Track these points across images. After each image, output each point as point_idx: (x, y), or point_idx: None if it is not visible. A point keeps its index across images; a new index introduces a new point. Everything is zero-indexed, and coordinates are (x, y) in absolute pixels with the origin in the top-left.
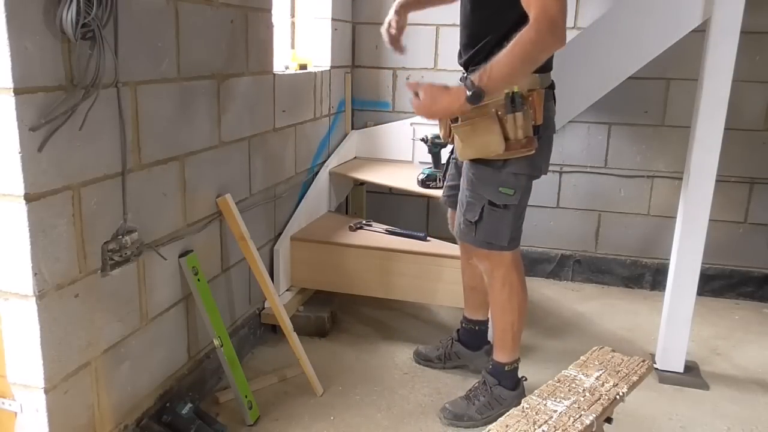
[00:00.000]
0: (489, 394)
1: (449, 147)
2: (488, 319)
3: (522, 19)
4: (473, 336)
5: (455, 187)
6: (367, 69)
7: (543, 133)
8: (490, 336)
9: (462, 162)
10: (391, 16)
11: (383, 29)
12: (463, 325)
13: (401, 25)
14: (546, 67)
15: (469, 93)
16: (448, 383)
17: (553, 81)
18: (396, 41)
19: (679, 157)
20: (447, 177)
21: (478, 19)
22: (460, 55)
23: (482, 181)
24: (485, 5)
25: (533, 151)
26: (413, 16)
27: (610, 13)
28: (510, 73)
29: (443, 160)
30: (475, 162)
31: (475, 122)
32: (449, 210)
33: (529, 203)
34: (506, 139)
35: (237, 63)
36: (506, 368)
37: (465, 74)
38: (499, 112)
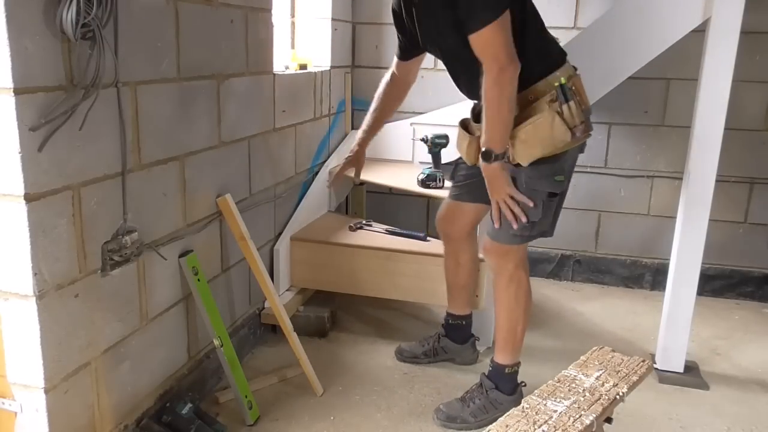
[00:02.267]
0: (485, 397)
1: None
2: (471, 313)
3: (521, 38)
4: (459, 330)
5: (472, 177)
6: (367, 69)
7: (586, 116)
8: (477, 334)
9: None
10: (352, 152)
11: (345, 161)
12: (450, 321)
13: (361, 160)
14: (564, 52)
15: (481, 158)
16: (448, 383)
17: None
18: (341, 175)
19: (679, 157)
20: (459, 176)
21: (470, 59)
22: (469, 95)
23: (539, 177)
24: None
25: (591, 134)
26: None
27: (610, 13)
28: (501, 127)
29: (443, 160)
30: (532, 163)
31: (536, 121)
32: (452, 202)
33: None
34: (569, 128)
35: (237, 63)
36: (507, 371)
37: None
38: (553, 106)
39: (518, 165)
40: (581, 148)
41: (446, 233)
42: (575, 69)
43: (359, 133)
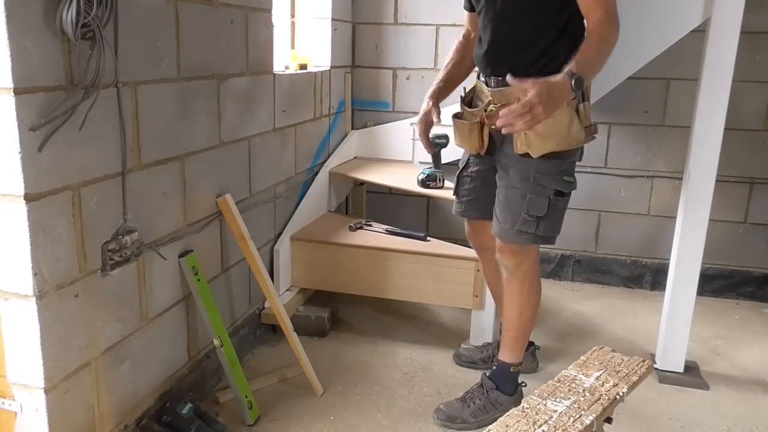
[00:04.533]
0: (485, 397)
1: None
2: None
3: (572, 19)
4: None
5: (475, 192)
6: (367, 69)
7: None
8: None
9: (500, 166)
10: (426, 106)
11: (419, 119)
12: None
13: (437, 116)
14: None
15: (573, 81)
16: (448, 383)
17: None
18: (428, 135)
19: (679, 157)
20: (463, 191)
21: (531, 25)
22: (494, 63)
23: (547, 174)
24: (537, 11)
25: (596, 137)
26: (415, 16)
27: None
28: (597, 65)
29: (443, 160)
30: (543, 156)
31: (556, 116)
32: (469, 221)
33: None
34: (583, 127)
35: (237, 63)
36: (511, 369)
37: (487, 85)
38: (572, 104)
39: (525, 155)
40: (580, 155)
41: (477, 245)
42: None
43: (431, 88)
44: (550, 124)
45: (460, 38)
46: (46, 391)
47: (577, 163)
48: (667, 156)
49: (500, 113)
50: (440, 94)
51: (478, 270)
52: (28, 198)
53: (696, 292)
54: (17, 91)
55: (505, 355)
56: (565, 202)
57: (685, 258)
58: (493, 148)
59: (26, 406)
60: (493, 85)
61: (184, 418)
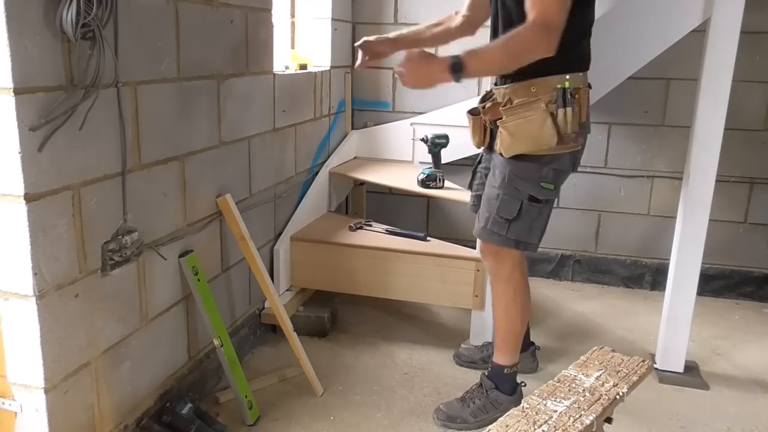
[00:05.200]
0: (485, 397)
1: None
2: (528, 323)
3: (572, 9)
4: None
5: (483, 187)
6: (367, 69)
7: (583, 131)
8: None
9: (491, 164)
10: (381, 37)
11: (363, 42)
12: None
13: (380, 50)
14: (589, 66)
15: (450, 62)
16: (448, 383)
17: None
18: (365, 59)
19: (679, 157)
20: (475, 185)
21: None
22: None
23: (523, 177)
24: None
25: (579, 147)
26: (415, 16)
27: (610, 13)
28: (495, 62)
29: (443, 160)
30: (518, 158)
31: (528, 117)
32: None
33: None
34: (558, 133)
35: (237, 63)
36: (505, 371)
37: (495, 84)
38: (550, 107)
39: (511, 157)
40: (574, 166)
41: (475, 234)
42: (590, 87)
43: (391, 34)
44: (521, 124)
45: (458, 18)
46: (46, 391)
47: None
48: (667, 156)
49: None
50: (399, 40)
51: (478, 270)
52: (28, 198)
53: (696, 292)
54: (17, 91)
55: (498, 357)
56: (541, 210)
57: (685, 258)
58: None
59: (26, 406)
60: (497, 83)
61: (184, 418)
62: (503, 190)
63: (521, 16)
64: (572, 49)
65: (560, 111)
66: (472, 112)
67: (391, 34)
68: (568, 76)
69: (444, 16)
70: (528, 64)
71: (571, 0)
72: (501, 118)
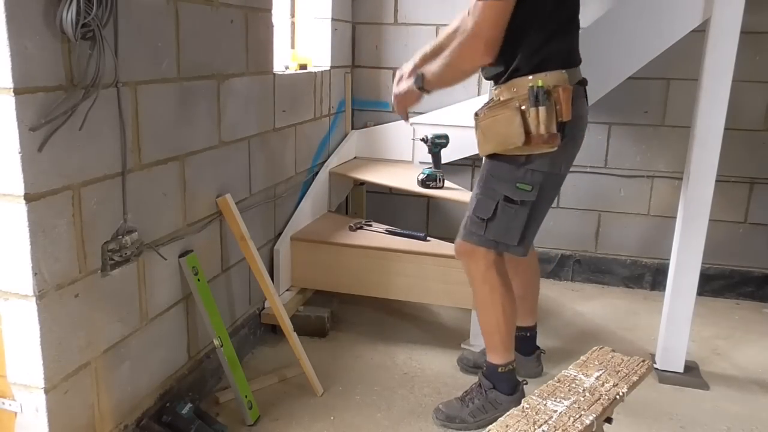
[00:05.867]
0: (484, 397)
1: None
2: (536, 324)
3: (522, 27)
4: (524, 342)
5: None
6: (367, 69)
7: (568, 131)
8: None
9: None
10: (408, 68)
11: (400, 91)
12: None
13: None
14: (573, 62)
15: (413, 79)
16: (448, 383)
17: (584, 78)
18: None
19: (679, 157)
20: None
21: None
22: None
23: (498, 177)
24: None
25: (555, 148)
26: (415, 16)
27: (610, 13)
28: (443, 74)
29: (443, 160)
30: (493, 158)
31: (498, 116)
32: None
33: None
34: (527, 133)
35: (237, 63)
36: (500, 369)
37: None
38: (523, 106)
39: (488, 156)
40: (553, 167)
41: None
42: (582, 80)
43: (417, 57)
44: (491, 123)
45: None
46: (46, 391)
47: (578, 163)
48: (667, 156)
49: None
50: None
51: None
52: (28, 198)
53: (696, 292)
54: (17, 91)
55: (490, 356)
56: (518, 211)
57: (685, 258)
58: None
59: (26, 406)
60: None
61: (184, 418)
62: (480, 189)
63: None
64: (542, 49)
65: (532, 110)
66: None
67: (417, 60)
68: (543, 75)
69: (458, 20)
70: (507, 65)
71: (512, 6)
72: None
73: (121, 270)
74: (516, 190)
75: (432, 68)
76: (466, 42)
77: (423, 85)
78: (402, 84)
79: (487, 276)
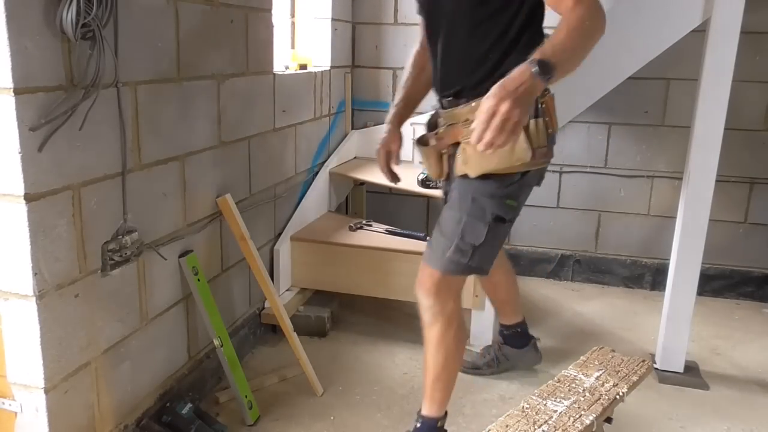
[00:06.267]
0: None
1: None
2: (524, 318)
3: (524, 32)
4: (517, 336)
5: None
6: (367, 69)
7: (551, 144)
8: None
9: (454, 188)
10: (387, 133)
11: (379, 149)
12: (505, 332)
13: (398, 145)
14: None
15: (535, 66)
16: None
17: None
18: (390, 165)
19: (679, 157)
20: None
21: (482, 37)
22: (445, 81)
23: (488, 196)
24: (487, 22)
25: (549, 162)
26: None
27: (610, 13)
28: (570, 48)
29: None
30: (482, 176)
31: None
32: None
33: (529, 203)
34: (530, 147)
35: (237, 63)
36: (439, 424)
37: (442, 107)
38: None
39: (464, 176)
40: (539, 180)
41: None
42: (549, 91)
43: (390, 111)
44: None
45: (417, 47)
46: (46, 391)
47: (578, 163)
48: (667, 156)
49: (472, 141)
50: (401, 116)
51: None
52: (28, 198)
53: (696, 292)
54: (17, 91)
55: (429, 408)
56: (504, 230)
57: (685, 258)
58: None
59: (26, 406)
60: (445, 105)
61: (184, 418)
62: (467, 212)
63: (476, 14)
64: (531, 51)
65: (532, 122)
66: (422, 142)
67: (390, 123)
68: None
69: (413, 58)
70: (488, 74)
71: None
72: (462, 140)
73: (121, 270)
74: (506, 208)
75: (557, 49)
76: (588, 10)
77: (552, 68)
78: (508, 88)
79: (453, 315)
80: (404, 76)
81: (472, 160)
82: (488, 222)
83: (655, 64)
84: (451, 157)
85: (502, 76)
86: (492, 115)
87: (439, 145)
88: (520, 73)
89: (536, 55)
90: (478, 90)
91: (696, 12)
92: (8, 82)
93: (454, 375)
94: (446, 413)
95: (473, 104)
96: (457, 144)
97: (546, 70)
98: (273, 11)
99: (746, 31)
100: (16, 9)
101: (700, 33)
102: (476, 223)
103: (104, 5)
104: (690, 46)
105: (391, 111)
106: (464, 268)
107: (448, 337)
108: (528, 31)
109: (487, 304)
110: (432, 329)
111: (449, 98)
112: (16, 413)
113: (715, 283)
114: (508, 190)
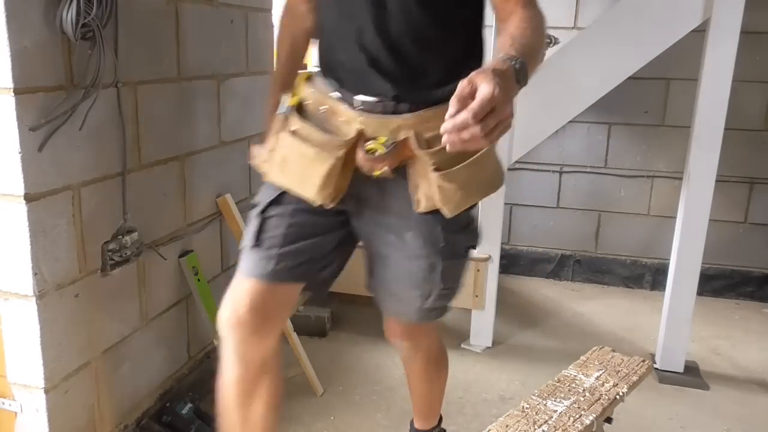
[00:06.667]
0: None
1: None
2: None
3: (477, 18)
4: None
5: (297, 239)
6: None
7: None
8: None
9: (383, 228)
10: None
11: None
12: None
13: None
14: None
15: (515, 66)
16: (448, 383)
17: None
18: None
19: (679, 157)
20: (272, 238)
21: (441, 35)
22: (374, 83)
23: (459, 231)
24: (446, 16)
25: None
26: None
27: (610, 13)
28: (537, 49)
29: None
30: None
31: (480, 161)
32: (262, 286)
33: (528, 203)
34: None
35: (237, 63)
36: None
37: (366, 110)
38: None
39: (431, 212)
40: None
41: (248, 346)
42: None
43: (267, 107)
44: (476, 171)
45: (283, 14)
46: (46, 391)
47: (578, 163)
48: (667, 156)
49: (445, 129)
50: (284, 82)
51: (478, 270)
52: (28, 198)
53: (696, 292)
54: (17, 91)
55: (425, 423)
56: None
57: (685, 258)
58: (347, 199)
59: (26, 406)
60: (372, 109)
61: (184, 418)
62: (441, 255)
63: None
64: (482, 55)
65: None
66: (299, 135)
67: (268, 111)
68: None
69: (280, 33)
70: (443, 74)
71: None
72: (434, 167)
73: (121, 270)
74: (474, 234)
75: (528, 49)
76: (535, 8)
77: (527, 71)
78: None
79: (442, 351)
80: (279, 58)
81: (453, 198)
82: (463, 258)
83: (655, 64)
84: (368, 182)
85: (465, 75)
86: (491, 107)
87: (371, 165)
88: (507, 71)
89: (510, 52)
90: (433, 93)
91: (696, 12)
92: (8, 82)
93: (442, 393)
94: (441, 418)
95: (438, 109)
96: (400, 167)
97: (523, 73)
98: (273, 11)
99: (746, 31)
100: (16, 9)
101: (700, 33)
102: (454, 266)
103: (104, 5)
104: (690, 46)
105: (268, 106)
106: (445, 311)
107: (441, 376)
108: (482, 17)
109: (488, 304)
110: (424, 372)
111: (382, 102)
112: (16, 413)
113: (715, 283)
114: (471, 214)
